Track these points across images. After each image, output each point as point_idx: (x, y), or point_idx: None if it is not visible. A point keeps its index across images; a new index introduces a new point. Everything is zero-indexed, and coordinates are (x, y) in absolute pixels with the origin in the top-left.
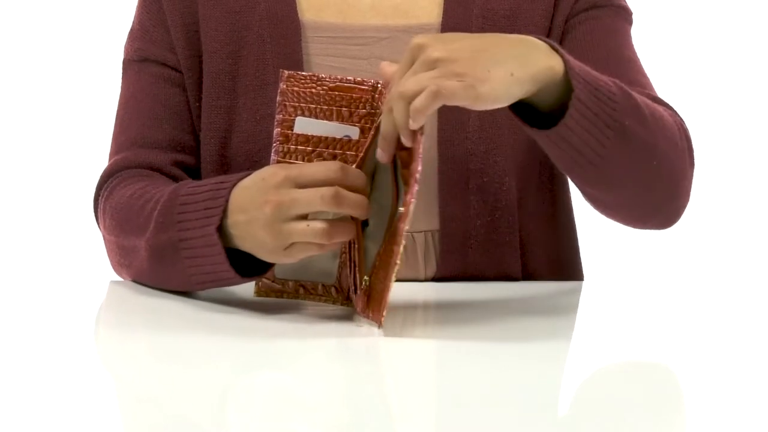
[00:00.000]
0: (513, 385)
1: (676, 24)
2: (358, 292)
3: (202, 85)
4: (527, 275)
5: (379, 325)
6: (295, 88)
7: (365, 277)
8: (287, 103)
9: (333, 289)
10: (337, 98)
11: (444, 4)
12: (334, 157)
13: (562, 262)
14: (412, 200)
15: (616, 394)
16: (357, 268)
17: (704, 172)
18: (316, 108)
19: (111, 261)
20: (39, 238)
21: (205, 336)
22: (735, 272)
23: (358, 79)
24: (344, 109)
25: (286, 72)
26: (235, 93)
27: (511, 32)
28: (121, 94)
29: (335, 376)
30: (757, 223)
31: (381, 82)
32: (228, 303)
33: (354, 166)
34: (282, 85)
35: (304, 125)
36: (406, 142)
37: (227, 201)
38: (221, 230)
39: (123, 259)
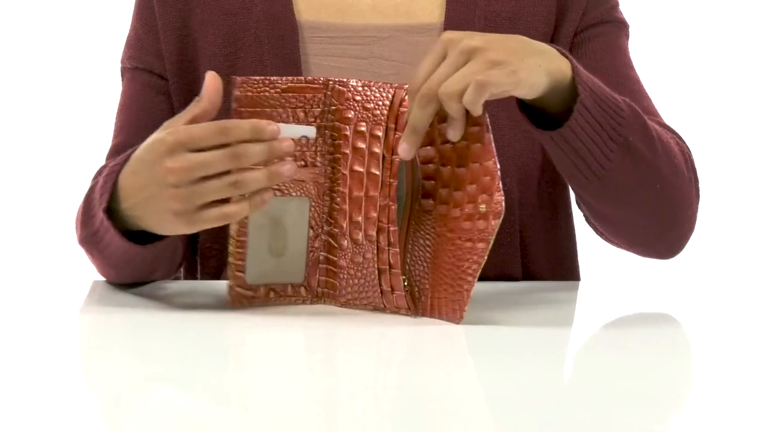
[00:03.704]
0: (513, 383)
1: (662, 32)
2: (401, 292)
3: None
4: (528, 276)
5: (458, 321)
6: (249, 93)
7: (402, 277)
8: (242, 110)
9: (302, 289)
10: (291, 99)
11: (446, 4)
12: (294, 159)
13: (561, 263)
14: (502, 197)
15: (616, 390)
16: (391, 270)
17: (700, 173)
18: (271, 111)
19: None
20: (23, 237)
21: (189, 334)
22: (732, 271)
23: (309, 78)
24: (299, 110)
25: (239, 78)
26: None
27: (513, 34)
28: (118, 101)
29: (332, 375)
30: (750, 222)
31: (333, 79)
32: (209, 300)
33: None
34: (235, 92)
35: None
36: (455, 136)
37: (114, 185)
38: (117, 216)
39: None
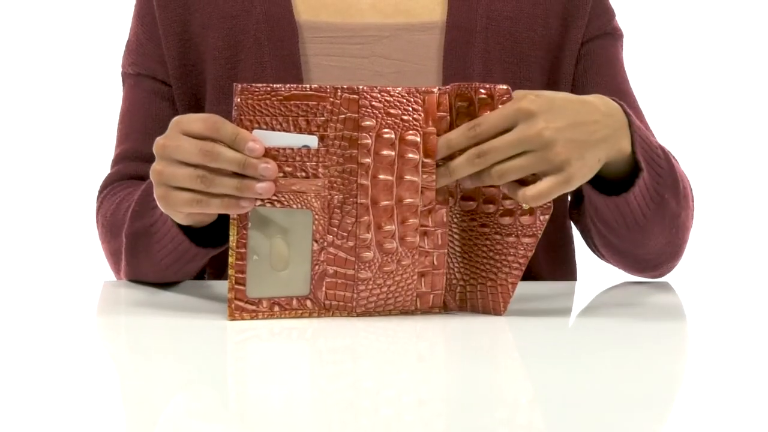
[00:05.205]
0: (512, 382)
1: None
2: (440, 292)
3: (205, 92)
4: (527, 275)
5: (501, 313)
6: (250, 101)
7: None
8: (243, 117)
9: (308, 302)
10: (293, 108)
11: (448, 2)
12: (293, 169)
13: (560, 263)
14: None
15: (616, 389)
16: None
17: (693, 173)
18: (272, 120)
19: (111, 269)
20: (35, 238)
21: (198, 333)
22: (732, 270)
23: (315, 86)
24: (301, 118)
25: (240, 85)
26: None
27: (513, 33)
28: (120, 106)
29: (328, 376)
30: (746, 223)
31: (342, 86)
32: (216, 301)
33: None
34: (236, 99)
35: (262, 138)
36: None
37: None
38: None
39: (114, 265)
